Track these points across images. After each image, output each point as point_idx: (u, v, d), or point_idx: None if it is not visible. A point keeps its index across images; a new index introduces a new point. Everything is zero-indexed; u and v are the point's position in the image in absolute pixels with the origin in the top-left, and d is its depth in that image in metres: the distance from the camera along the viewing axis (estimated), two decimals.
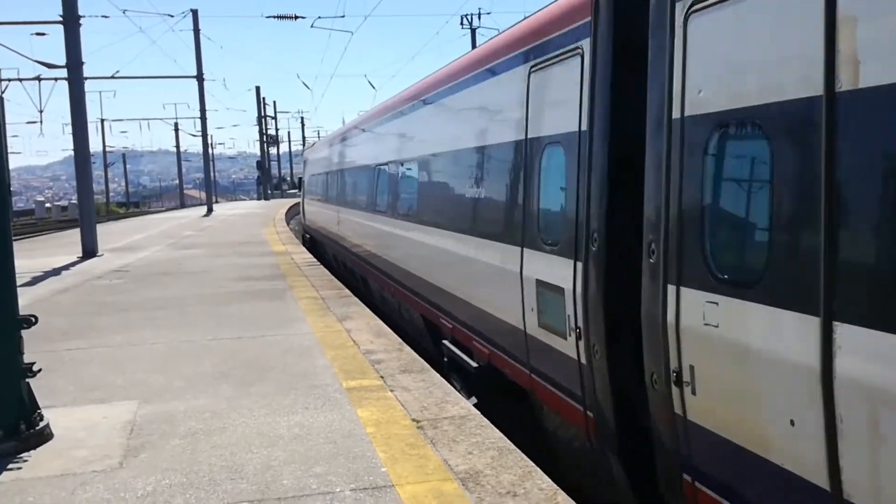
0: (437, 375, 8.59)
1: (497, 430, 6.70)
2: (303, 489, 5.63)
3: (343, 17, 42.56)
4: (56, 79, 33.17)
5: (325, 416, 7.33)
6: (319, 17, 43.02)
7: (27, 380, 6.92)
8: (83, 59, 24.71)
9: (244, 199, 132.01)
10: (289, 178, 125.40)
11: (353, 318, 12.26)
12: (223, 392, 8.30)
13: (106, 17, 36.32)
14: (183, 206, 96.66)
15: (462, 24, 56.20)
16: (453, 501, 5.29)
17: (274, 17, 49.14)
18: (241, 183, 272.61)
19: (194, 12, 51.72)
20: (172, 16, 43.87)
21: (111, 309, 14.08)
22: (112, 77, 42.50)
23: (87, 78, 25.24)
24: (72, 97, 24.50)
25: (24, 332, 6.97)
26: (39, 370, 7.11)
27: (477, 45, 51.76)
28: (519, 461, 5.95)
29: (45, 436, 6.90)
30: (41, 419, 6.97)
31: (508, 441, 6.43)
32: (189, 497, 5.59)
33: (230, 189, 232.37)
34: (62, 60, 25.05)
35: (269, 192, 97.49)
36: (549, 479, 5.59)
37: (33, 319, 7.03)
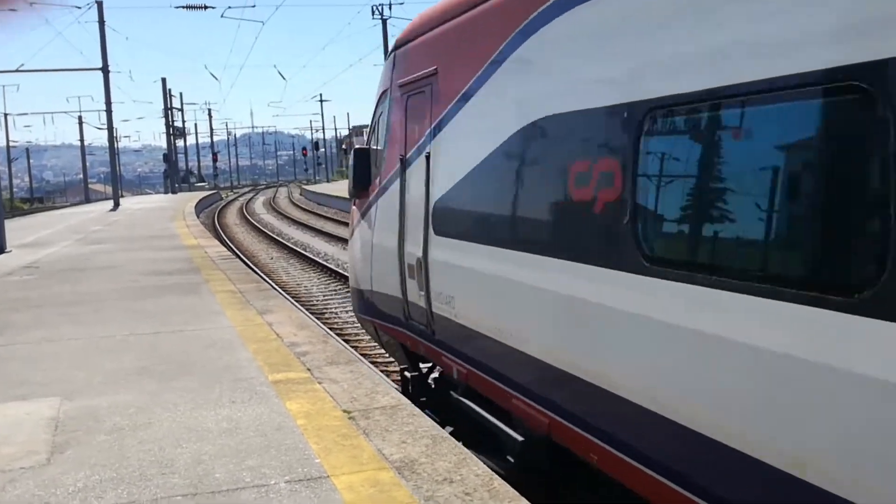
0: (366, 366, 8.61)
1: (430, 419, 6.76)
2: (237, 482, 5.60)
3: (254, 6, 42.05)
4: None
5: (253, 409, 7.28)
6: (230, 7, 42.42)
7: None
8: None
9: (151, 193, 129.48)
10: (196, 171, 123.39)
11: (274, 311, 12.18)
12: (146, 387, 8.18)
13: (14, 10, 35.26)
14: (88, 200, 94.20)
15: (373, 14, 56.05)
16: (390, 490, 5.33)
17: (183, 7, 48.32)
18: (146, 176, 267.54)
19: (99, 4, 50.51)
20: (79, 7, 42.83)
21: (25, 305, 13.74)
22: (17, 70, 41.26)
23: None
24: None
25: None
26: None
27: (388, 36, 51.54)
28: (453, 449, 6.02)
29: None
30: None
31: (441, 429, 6.50)
32: (121, 492, 5.52)
33: (136, 183, 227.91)
34: None
35: (177, 185, 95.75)
36: (485, 466, 5.67)
37: None
